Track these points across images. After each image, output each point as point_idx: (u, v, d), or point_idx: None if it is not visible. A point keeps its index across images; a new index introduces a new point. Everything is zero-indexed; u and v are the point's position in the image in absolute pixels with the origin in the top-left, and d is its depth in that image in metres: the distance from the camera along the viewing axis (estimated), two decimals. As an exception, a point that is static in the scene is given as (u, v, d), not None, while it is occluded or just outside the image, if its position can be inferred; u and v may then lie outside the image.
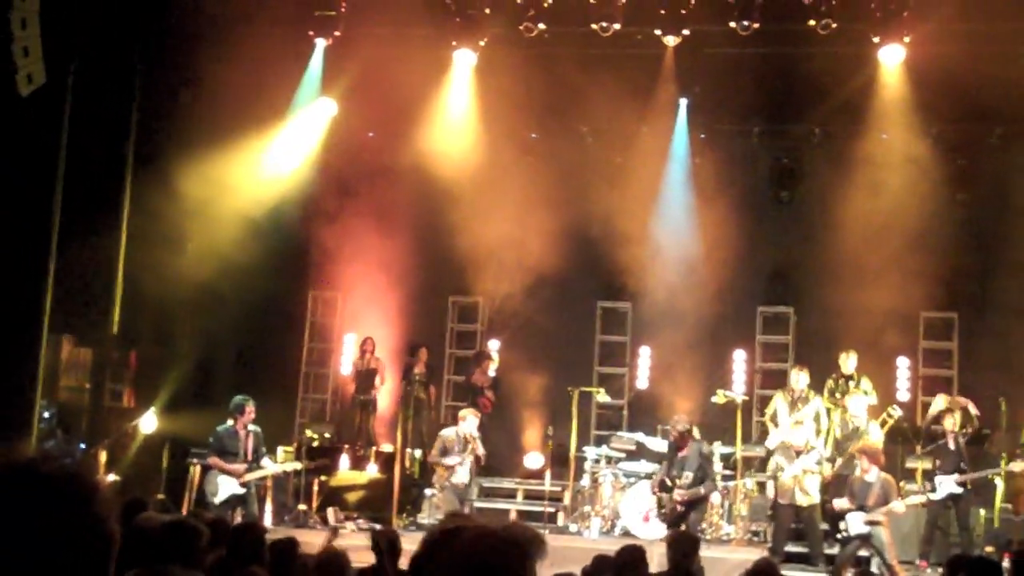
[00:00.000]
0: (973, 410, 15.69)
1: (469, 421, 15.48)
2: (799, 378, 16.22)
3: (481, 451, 15.38)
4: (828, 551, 14.82)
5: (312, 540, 9.65)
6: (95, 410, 16.99)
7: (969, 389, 16.99)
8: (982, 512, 15.34)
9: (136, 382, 17.41)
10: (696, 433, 15.23)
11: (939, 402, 16.05)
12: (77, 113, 15.66)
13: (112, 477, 15.33)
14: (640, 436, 17.16)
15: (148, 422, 16.23)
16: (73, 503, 2.25)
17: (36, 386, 14.83)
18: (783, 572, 9.15)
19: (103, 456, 15.58)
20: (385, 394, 19.22)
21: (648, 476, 15.57)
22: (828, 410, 16.09)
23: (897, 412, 16.01)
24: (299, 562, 7.44)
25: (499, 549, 2.48)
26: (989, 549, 14.59)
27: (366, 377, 18.90)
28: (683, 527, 13.84)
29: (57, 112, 15.18)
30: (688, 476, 14.44)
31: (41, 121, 14.72)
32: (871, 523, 13.37)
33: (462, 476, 15.31)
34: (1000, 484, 15.30)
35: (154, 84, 17.27)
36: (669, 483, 14.62)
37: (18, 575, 2.14)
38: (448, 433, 15.56)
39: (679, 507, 14.43)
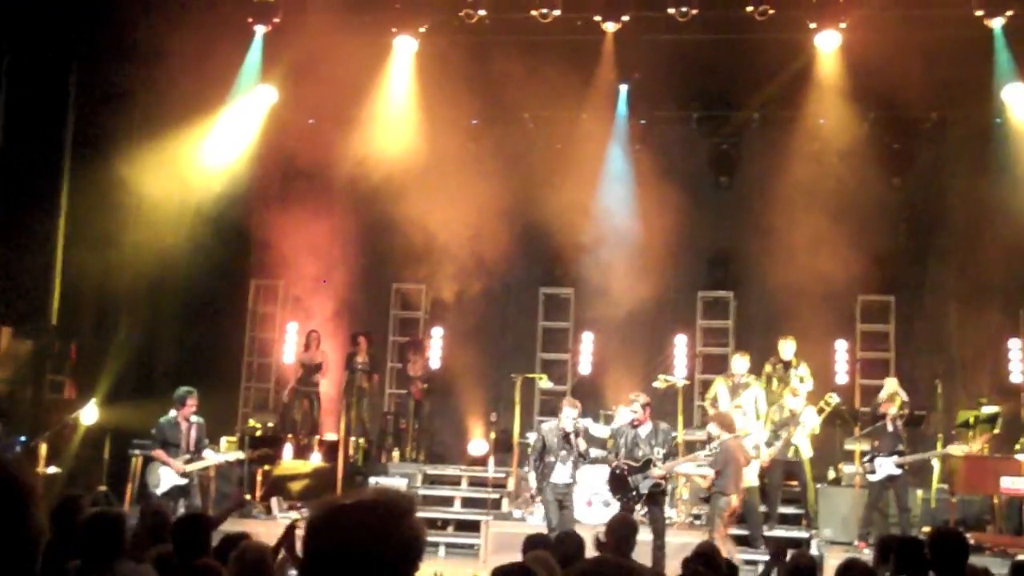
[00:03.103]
0: (903, 396, 15.86)
1: (567, 413, 13.97)
2: (740, 363, 16.40)
3: (583, 446, 13.97)
4: (768, 533, 15.04)
5: (255, 529, 9.65)
6: (35, 402, 16.82)
7: (906, 372, 17.26)
8: (919, 493, 15.56)
9: (76, 373, 17.24)
10: None
11: (890, 385, 16.16)
12: (12, 103, 15.50)
13: (53, 469, 15.21)
14: (588, 422, 17.15)
15: (89, 413, 16.08)
16: (2, 500, 2.28)
17: (-26, 379, 14.69)
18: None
19: (44, 448, 15.43)
20: (328, 383, 19.20)
21: (592, 462, 15.43)
22: (765, 395, 16.29)
23: (835, 399, 16.17)
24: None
25: (381, 514, 2.55)
26: (926, 529, 14.81)
27: (311, 370, 18.87)
28: (653, 509, 13.83)
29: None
30: (660, 451, 13.85)
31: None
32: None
33: (562, 475, 13.94)
34: (936, 465, 15.53)
35: (92, 73, 17.09)
36: (636, 463, 13.82)
37: None
38: (546, 428, 14.30)
39: (663, 482, 13.95)
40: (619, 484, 13.98)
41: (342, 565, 2.54)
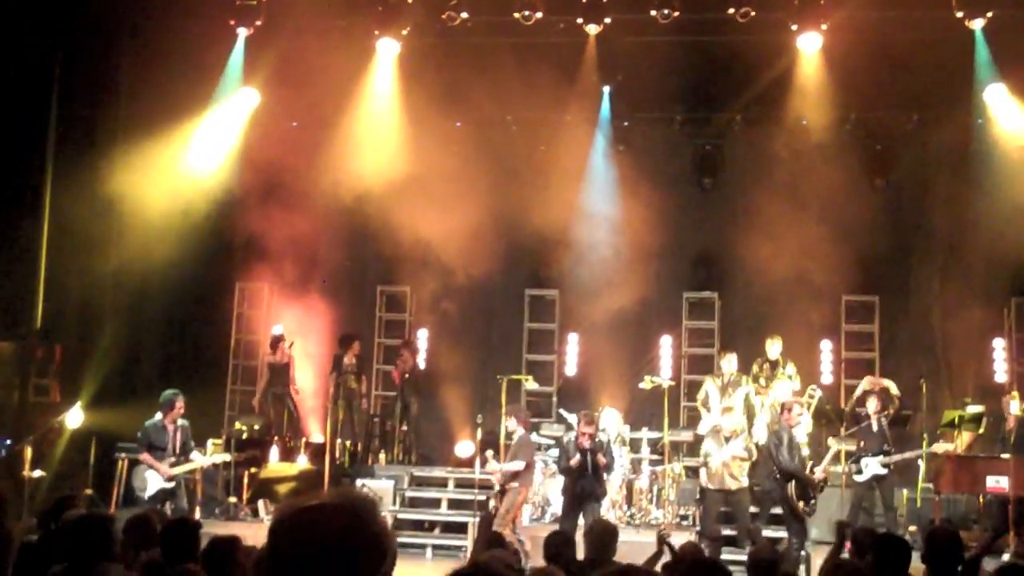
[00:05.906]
0: (894, 390, 16.00)
1: (584, 430, 13.91)
2: (728, 362, 16.46)
3: (602, 462, 13.83)
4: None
5: (242, 532, 9.62)
6: (20, 406, 16.79)
7: (891, 371, 17.31)
8: (905, 492, 15.61)
9: (61, 377, 17.21)
10: None
11: (863, 384, 16.28)
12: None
13: (39, 473, 15.16)
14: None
15: (74, 417, 16.04)
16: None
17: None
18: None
19: (29, 452, 15.39)
20: (311, 383, 19.18)
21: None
22: (757, 395, 16.35)
23: (817, 392, 16.25)
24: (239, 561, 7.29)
25: (347, 514, 2.55)
26: (912, 528, 14.90)
27: (282, 371, 18.77)
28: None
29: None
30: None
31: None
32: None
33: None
34: (922, 464, 15.58)
35: (74, 77, 17.05)
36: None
37: None
38: (566, 439, 14.35)
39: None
40: (806, 491, 14.06)
41: (309, 566, 2.51)
